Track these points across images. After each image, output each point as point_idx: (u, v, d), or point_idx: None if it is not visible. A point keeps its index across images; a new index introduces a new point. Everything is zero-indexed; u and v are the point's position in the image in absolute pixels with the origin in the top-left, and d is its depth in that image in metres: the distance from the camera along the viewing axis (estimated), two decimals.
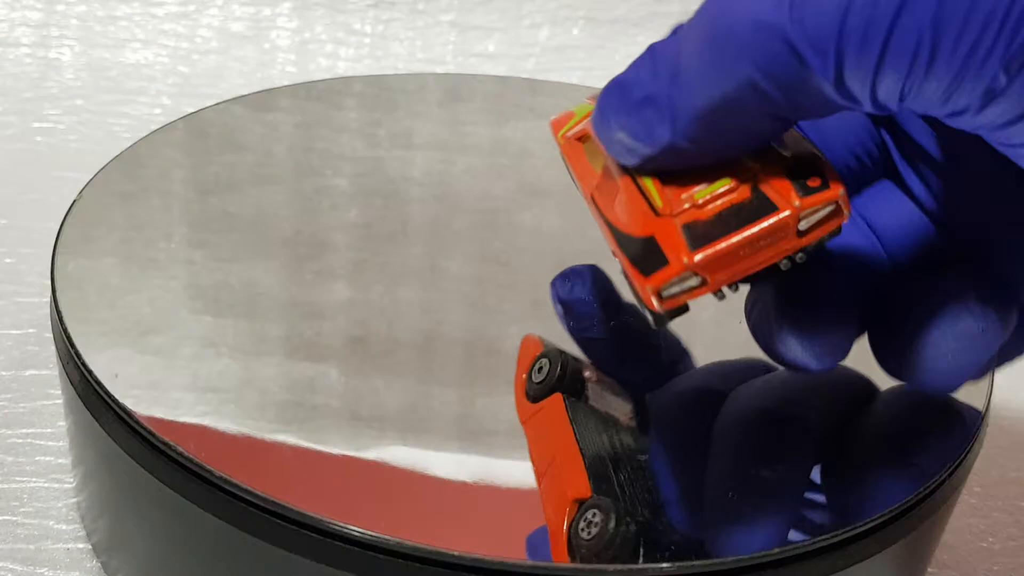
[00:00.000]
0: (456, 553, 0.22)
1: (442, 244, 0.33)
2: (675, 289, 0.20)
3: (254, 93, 0.41)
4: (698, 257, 0.19)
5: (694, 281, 0.19)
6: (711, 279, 0.19)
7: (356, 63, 0.56)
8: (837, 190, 0.19)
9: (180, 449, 0.23)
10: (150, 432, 0.24)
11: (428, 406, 0.26)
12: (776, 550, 0.22)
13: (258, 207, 0.33)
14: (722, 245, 0.19)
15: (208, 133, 0.37)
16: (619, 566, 0.22)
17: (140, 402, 0.25)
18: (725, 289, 0.20)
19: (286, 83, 0.54)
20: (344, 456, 0.25)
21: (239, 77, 0.54)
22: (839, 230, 0.20)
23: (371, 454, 0.25)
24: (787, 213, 0.19)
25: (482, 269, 0.31)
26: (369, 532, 0.22)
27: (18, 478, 0.32)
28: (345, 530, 0.22)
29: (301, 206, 0.34)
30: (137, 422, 0.24)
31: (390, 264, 0.31)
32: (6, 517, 0.30)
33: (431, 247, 0.32)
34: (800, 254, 0.20)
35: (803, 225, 0.19)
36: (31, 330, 0.38)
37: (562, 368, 0.25)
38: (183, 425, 0.25)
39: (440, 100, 0.42)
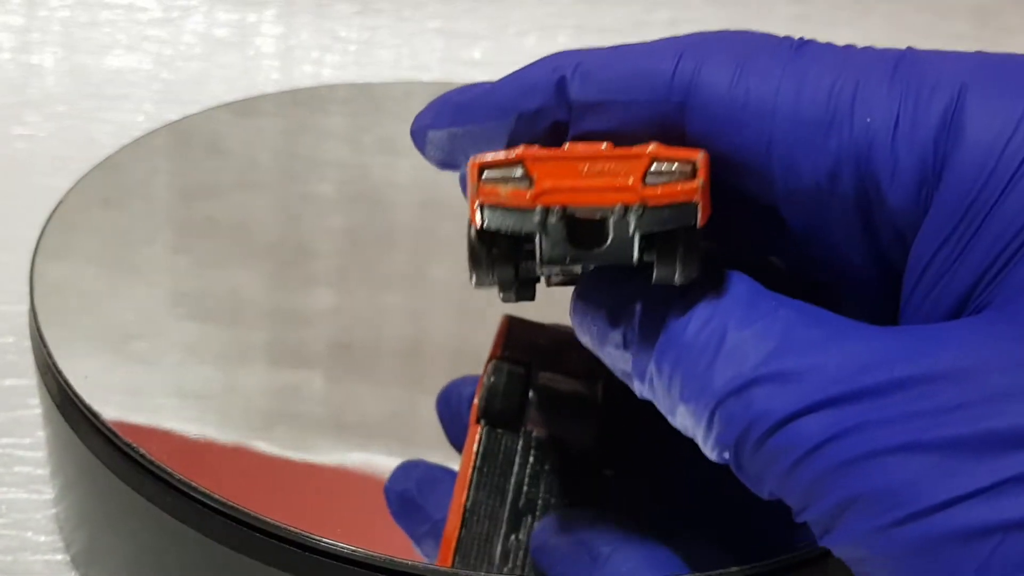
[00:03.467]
0: (446, 570, 0.21)
1: (427, 251, 0.32)
2: (495, 174, 0.18)
3: (239, 100, 0.40)
4: (530, 149, 0.18)
5: (517, 172, 0.17)
6: (537, 177, 0.17)
7: (341, 70, 0.56)
8: (696, 154, 0.17)
9: (159, 463, 0.23)
10: (129, 445, 0.24)
11: (414, 413, 0.26)
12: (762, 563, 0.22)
13: (242, 213, 0.33)
14: (560, 152, 0.18)
15: (192, 139, 0.37)
16: None
17: (119, 410, 0.25)
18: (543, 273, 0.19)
19: (271, 90, 0.53)
20: (327, 466, 0.24)
21: (223, 84, 0.54)
22: (693, 212, 0.17)
23: (355, 462, 0.25)
24: (644, 150, 0.17)
25: (467, 276, 0.31)
26: (350, 547, 0.21)
27: None
28: (329, 546, 0.21)
29: (286, 212, 0.34)
30: (115, 434, 0.24)
31: (375, 270, 0.31)
32: None
33: (416, 254, 0.32)
34: (640, 234, 0.17)
35: (652, 178, 0.17)
36: (10, 339, 0.37)
37: (504, 390, 0.23)
38: (163, 437, 0.24)
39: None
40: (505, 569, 0.22)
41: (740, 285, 0.17)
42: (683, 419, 0.18)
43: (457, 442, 0.23)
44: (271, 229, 0.33)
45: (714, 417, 0.17)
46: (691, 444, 0.18)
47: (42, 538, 0.30)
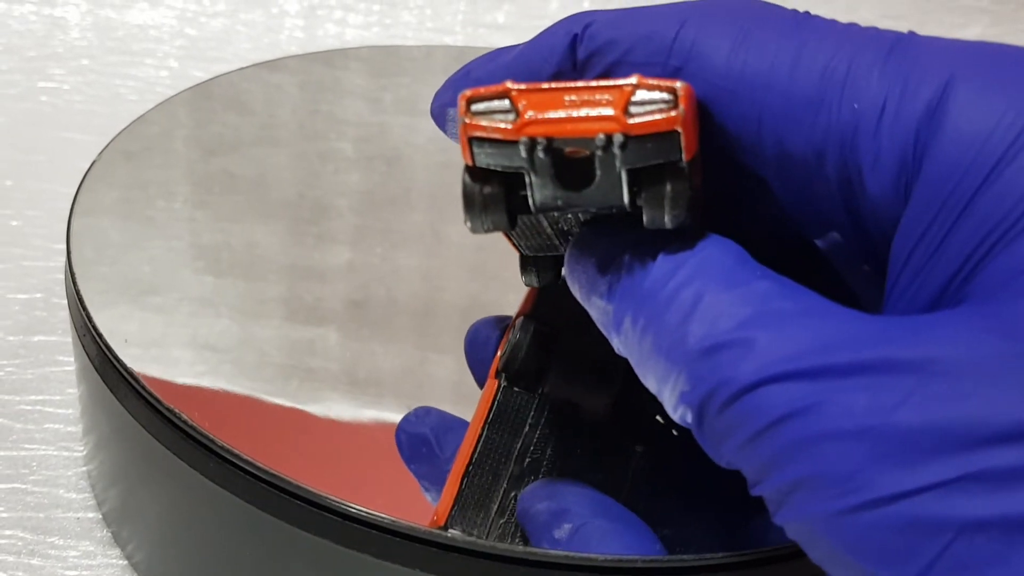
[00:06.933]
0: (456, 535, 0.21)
1: (444, 210, 0.33)
2: (482, 107, 0.18)
3: (264, 62, 0.40)
4: (516, 83, 0.18)
5: (504, 104, 0.18)
6: (522, 112, 0.18)
7: (365, 31, 0.56)
8: (675, 83, 0.17)
9: (195, 424, 0.23)
10: (166, 407, 0.24)
11: (426, 371, 0.26)
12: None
13: (262, 170, 0.33)
14: (546, 85, 0.18)
15: (215, 97, 0.37)
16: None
17: (139, 363, 0.25)
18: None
19: (294, 49, 0.53)
20: (340, 422, 0.25)
21: (247, 42, 0.54)
22: (676, 143, 0.17)
23: (368, 418, 0.25)
24: (627, 81, 0.17)
25: (483, 236, 0.31)
26: (375, 513, 0.21)
27: (27, 445, 0.31)
28: (359, 512, 0.21)
29: (305, 170, 0.34)
30: (153, 395, 0.24)
31: (391, 229, 0.31)
32: (15, 485, 0.30)
33: (433, 213, 0.32)
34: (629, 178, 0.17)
35: (635, 107, 0.17)
36: (38, 295, 0.37)
37: (528, 349, 0.23)
38: (198, 395, 0.24)
39: (447, 68, 0.42)
40: (500, 523, 0.22)
41: (729, 252, 0.17)
42: (652, 375, 0.17)
43: (482, 383, 0.24)
44: (290, 186, 0.33)
45: (681, 376, 0.17)
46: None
47: (74, 495, 0.30)
